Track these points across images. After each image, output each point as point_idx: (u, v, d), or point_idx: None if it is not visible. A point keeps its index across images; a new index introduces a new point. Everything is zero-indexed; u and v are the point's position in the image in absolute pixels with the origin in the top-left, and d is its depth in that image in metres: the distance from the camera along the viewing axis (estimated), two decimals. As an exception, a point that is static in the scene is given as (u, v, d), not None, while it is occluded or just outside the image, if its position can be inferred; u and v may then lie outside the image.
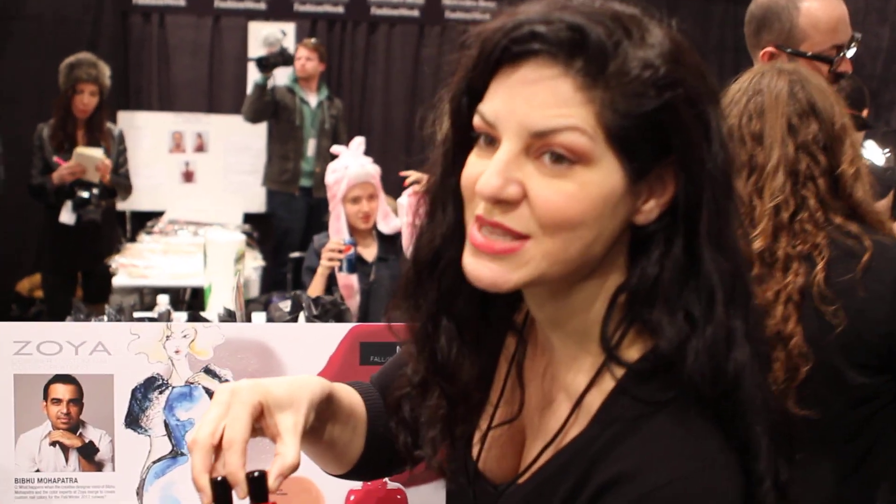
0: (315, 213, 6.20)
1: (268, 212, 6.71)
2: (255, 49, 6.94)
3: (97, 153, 4.88)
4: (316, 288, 3.80)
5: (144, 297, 4.96)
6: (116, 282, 4.63)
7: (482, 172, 0.92)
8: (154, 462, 1.50)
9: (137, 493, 1.50)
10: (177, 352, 1.49)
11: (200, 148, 7.20)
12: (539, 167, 0.91)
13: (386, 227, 3.93)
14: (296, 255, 5.48)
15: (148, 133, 7.03)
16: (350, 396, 1.21)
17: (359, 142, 3.97)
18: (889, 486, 1.72)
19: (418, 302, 1.07)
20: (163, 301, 3.24)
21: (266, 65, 6.17)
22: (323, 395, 1.09)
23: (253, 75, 6.60)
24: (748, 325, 0.94)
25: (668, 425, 0.92)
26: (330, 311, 2.73)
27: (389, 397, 1.17)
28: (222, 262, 3.53)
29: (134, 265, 4.79)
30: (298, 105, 6.32)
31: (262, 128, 6.91)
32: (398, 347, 1.49)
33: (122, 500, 1.50)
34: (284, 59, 6.30)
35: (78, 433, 1.48)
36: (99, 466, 1.49)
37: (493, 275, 0.93)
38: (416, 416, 1.12)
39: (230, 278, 3.52)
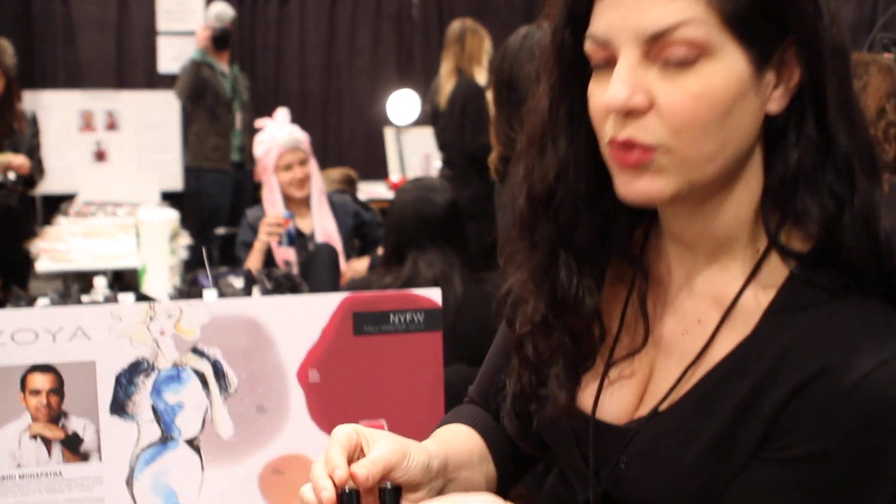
0: (241, 188, 6.10)
1: (192, 190, 6.55)
2: (165, 23, 6.76)
3: (3, 159, 4.70)
4: (253, 262, 3.73)
5: (68, 282, 4.79)
6: (40, 267, 4.46)
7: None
8: (143, 449, 1.43)
9: (127, 483, 1.43)
10: (162, 333, 1.41)
11: (112, 126, 7.01)
12: (662, 71, 0.91)
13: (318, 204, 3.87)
14: (221, 231, 5.37)
15: (56, 112, 6.81)
16: (460, 440, 1.22)
17: (283, 112, 3.92)
18: None
19: (534, 239, 1.07)
20: (100, 284, 3.14)
21: (224, 40, 6.03)
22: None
23: (164, 50, 6.44)
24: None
25: (856, 311, 0.93)
26: (284, 284, 2.67)
27: (512, 340, 1.15)
28: (156, 241, 3.44)
29: (56, 249, 4.61)
30: (219, 79, 6.18)
31: (175, 104, 6.76)
32: (391, 315, 1.46)
33: (111, 491, 1.43)
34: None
35: (60, 424, 1.40)
36: (84, 457, 1.42)
37: (645, 187, 0.94)
38: (539, 354, 1.11)
39: (166, 257, 3.44)
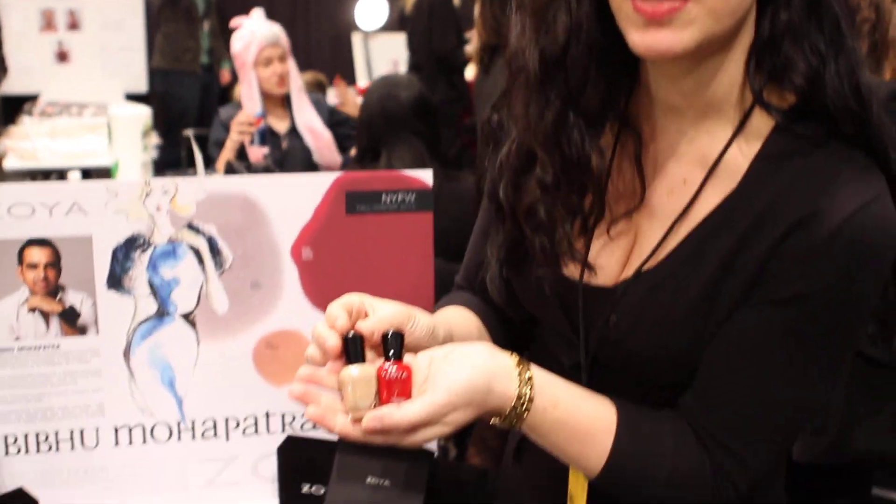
0: (208, 91, 6.03)
1: (159, 91, 6.46)
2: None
3: None
4: (224, 161, 3.72)
5: (36, 181, 4.74)
6: (7, 165, 4.41)
7: None
8: (140, 323, 1.46)
9: (124, 356, 1.46)
10: (158, 209, 1.43)
11: (73, 26, 6.86)
12: None
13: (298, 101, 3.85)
14: (189, 132, 5.32)
15: (15, 11, 6.64)
16: (458, 318, 1.26)
17: (259, 11, 3.88)
18: None
19: (543, 102, 1.08)
20: (75, 178, 3.12)
21: None
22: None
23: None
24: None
25: (839, 157, 0.98)
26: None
27: (518, 208, 1.17)
28: (129, 137, 3.43)
29: (23, 148, 4.56)
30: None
31: (138, 3, 6.61)
32: (383, 195, 1.48)
33: (108, 363, 1.46)
34: None
35: (58, 298, 1.43)
36: (82, 331, 1.44)
37: (667, 40, 0.95)
38: (551, 216, 1.13)
39: (139, 154, 3.43)
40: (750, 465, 1.05)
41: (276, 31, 3.76)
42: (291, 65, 3.80)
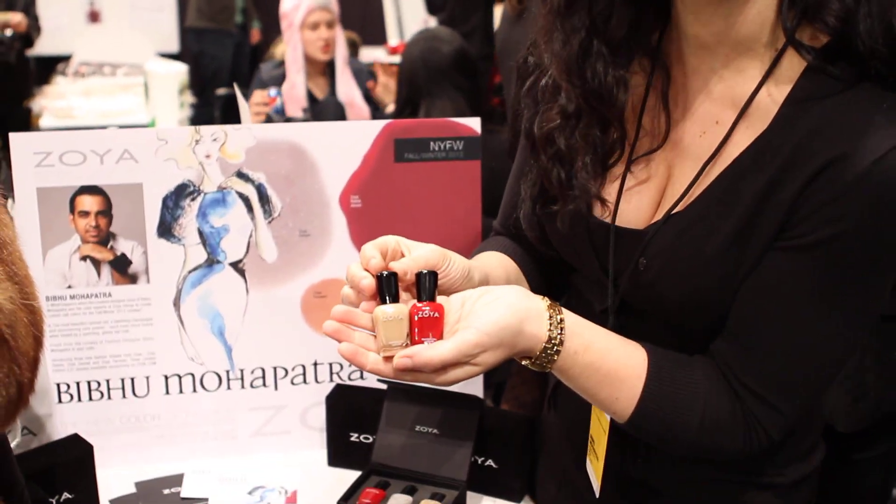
0: (240, 50, 6.01)
1: (193, 51, 6.45)
2: None
3: (1, 17, 4.63)
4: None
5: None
6: (43, 123, 4.43)
7: None
8: (190, 272, 1.46)
9: (174, 304, 1.47)
10: (207, 156, 1.43)
11: (104, -15, 6.84)
12: None
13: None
14: (222, 91, 5.32)
15: (47, -29, 6.62)
16: (494, 262, 1.26)
17: None
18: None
19: (568, 31, 1.08)
20: (113, 135, 3.13)
21: None
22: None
23: None
24: None
25: (870, 98, 0.96)
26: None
27: (539, 139, 1.17)
28: (167, 94, 3.43)
29: (59, 107, 4.58)
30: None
31: (168, -38, 6.59)
32: (431, 142, 1.47)
33: (159, 311, 1.47)
34: None
35: (109, 246, 1.43)
36: (133, 279, 1.45)
37: None
38: (571, 145, 1.12)
39: (175, 111, 3.42)
40: (782, 412, 1.04)
41: None
42: (339, 33, 3.74)
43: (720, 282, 1.04)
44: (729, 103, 1.05)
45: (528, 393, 2.72)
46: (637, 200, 1.12)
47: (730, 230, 1.02)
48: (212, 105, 5.38)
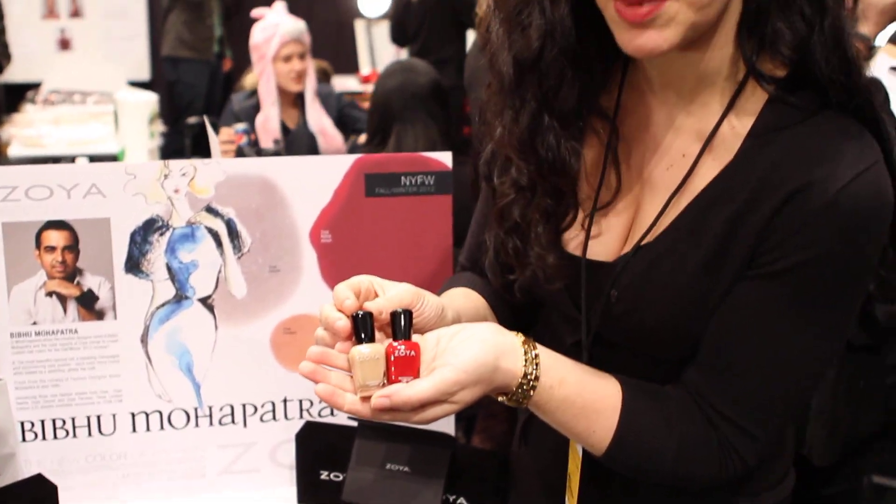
0: (214, 79, 6.00)
1: (171, 79, 6.42)
2: None
3: None
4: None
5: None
6: (12, 152, 4.39)
7: None
8: (158, 307, 1.44)
9: (142, 341, 1.45)
10: (176, 191, 1.41)
11: (76, 13, 6.83)
12: None
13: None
14: (193, 120, 5.30)
15: (17, -1, 6.60)
16: (464, 298, 1.26)
17: (281, 3, 3.84)
18: None
19: (519, 105, 1.08)
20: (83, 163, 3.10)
21: None
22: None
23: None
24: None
25: (832, 127, 0.98)
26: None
27: (494, 210, 1.18)
28: (137, 123, 3.40)
29: (28, 135, 4.54)
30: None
31: (141, -10, 6.58)
32: (402, 177, 1.47)
33: (126, 348, 1.44)
34: None
35: (75, 282, 1.41)
36: (100, 315, 1.43)
37: (652, 40, 0.96)
38: (525, 217, 1.13)
39: (145, 140, 3.40)
40: (757, 438, 1.05)
41: (300, 27, 3.70)
42: (309, 64, 3.75)
43: (690, 313, 1.05)
44: (694, 136, 1.07)
45: (497, 425, 2.72)
46: (606, 237, 1.13)
47: (699, 260, 1.03)
48: (182, 134, 5.36)
